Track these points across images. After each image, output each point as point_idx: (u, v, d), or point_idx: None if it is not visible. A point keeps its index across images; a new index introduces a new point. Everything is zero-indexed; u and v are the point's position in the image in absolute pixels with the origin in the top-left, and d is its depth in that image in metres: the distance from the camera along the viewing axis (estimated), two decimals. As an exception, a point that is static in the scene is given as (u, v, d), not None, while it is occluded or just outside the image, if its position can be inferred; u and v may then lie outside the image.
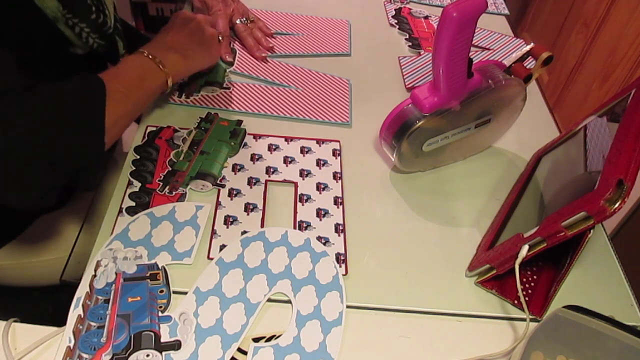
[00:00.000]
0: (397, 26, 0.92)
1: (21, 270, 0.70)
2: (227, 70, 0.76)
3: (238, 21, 0.81)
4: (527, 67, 0.61)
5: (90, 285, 0.48)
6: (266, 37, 0.82)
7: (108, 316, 0.45)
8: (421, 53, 0.85)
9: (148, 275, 0.49)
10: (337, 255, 0.53)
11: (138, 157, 0.61)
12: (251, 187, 0.59)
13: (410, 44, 0.87)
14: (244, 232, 0.54)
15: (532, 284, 0.53)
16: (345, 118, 0.71)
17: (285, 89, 0.74)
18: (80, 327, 0.44)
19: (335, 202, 0.59)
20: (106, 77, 0.51)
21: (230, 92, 0.72)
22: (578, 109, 1.59)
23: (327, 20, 0.91)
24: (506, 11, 1.00)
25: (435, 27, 0.89)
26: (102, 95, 0.49)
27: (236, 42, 0.82)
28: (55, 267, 0.68)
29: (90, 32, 0.58)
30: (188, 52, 0.62)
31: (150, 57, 0.57)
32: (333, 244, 0.55)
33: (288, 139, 0.66)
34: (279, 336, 0.46)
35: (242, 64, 0.78)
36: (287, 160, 0.63)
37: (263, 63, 0.78)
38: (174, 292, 0.49)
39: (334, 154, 0.65)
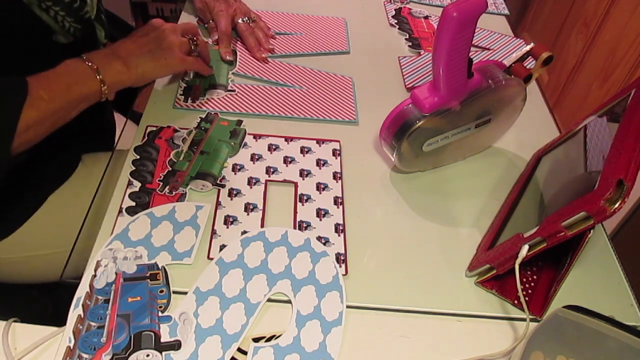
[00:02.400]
0: (397, 26, 0.92)
1: (20, 265, 0.70)
2: (230, 72, 0.76)
3: (240, 20, 0.81)
4: (527, 67, 0.61)
5: (90, 285, 0.48)
6: (267, 38, 0.82)
7: (108, 316, 0.45)
8: (421, 53, 0.85)
9: (148, 275, 0.49)
10: (337, 255, 0.53)
11: (138, 157, 0.61)
12: (251, 187, 0.59)
13: (410, 44, 0.87)
14: (244, 232, 0.54)
15: (532, 284, 0.53)
16: (352, 116, 0.71)
17: (289, 89, 0.74)
18: (80, 327, 0.44)
19: (335, 202, 0.59)
20: (32, 81, 0.51)
21: (236, 94, 0.72)
22: (578, 109, 1.59)
23: (324, 18, 0.91)
24: (506, 11, 1.00)
25: (435, 27, 0.89)
26: (20, 101, 0.49)
27: (237, 43, 0.82)
28: (55, 263, 0.68)
29: (66, 15, 0.57)
30: (134, 62, 0.60)
31: (89, 63, 0.56)
32: (333, 244, 0.55)
33: (288, 139, 0.66)
34: (279, 336, 0.46)
35: (245, 66, 0.78)
36: (287, 160, 0.63)
37: (266, 64, 0.78)
38: (174, 292, 0.49)
39: (334, 154, 0.65)
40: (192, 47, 0.69)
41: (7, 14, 0.53)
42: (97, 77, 0.56)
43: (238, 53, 0.80)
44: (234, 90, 0.73)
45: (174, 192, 0.57)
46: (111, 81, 0.58)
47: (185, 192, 0.58)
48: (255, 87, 0.74)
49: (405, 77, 0.80)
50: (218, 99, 0.71)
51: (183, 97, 0.70)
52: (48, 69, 0.54)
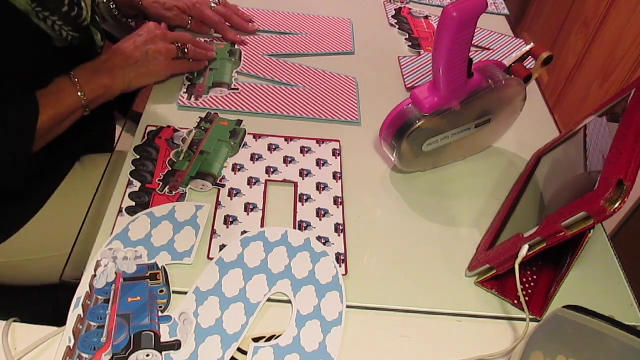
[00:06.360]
0: (397, 26, 0.92)
1: (20, 268, 0.70)
2: (235, 71, 0.76)
3: (213, 4, 0.82)
4: (527, 67, 0.61)
5: (90, 285, 0.48)
6: (242, 15, 0.85)
7: (108, 316, 0.45)
8: (421, 53, 0.85)
9: (148, 275, 0.49)
10: (337, 255, 0.53)
11: (138, 157, 0.61)
12: (251, 187, 0.59)
13: (410, 44, 0.87)
14: (244, 232, 0.54)
15: (532, 284, 0.53)
16: (355, 116, 0.71)
17: (293, 88, 0.74)
18: (80, 327, 0.44)
19: (335, 202, 0.59)
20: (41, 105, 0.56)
21: (239, 92, 0.72)
22: (578, 109, 1.59)
23: (329, 19, 0.91)
24: (506, 11, 1.00)
25: (435, 27, 0.89)
26: (34, 120, 0.55)
27: (242, 43, 0.81)
28: (55, 266, 0.67)
29: (63, 25, 0.58)
30: (120, 74, 0.64)
31: (75, 79, 0.60)
32: (333, 244, 0.55)
33: (288, 139, 0.66)
34: (279, 336, 0.46)
35: (250, 65, 0.77)
36: (287, 160, 0.63)
37: (269, 63, 0.78)
38: (174, 292, 0.49)
39: (334, 154, 0.65)
40: (180, 54, 0.71)
41: (5, 22, 0.53)
42: (82, 97, 0.60)
43: (243, 53, 0.79)
44: (237, 89, 0.73)
45: (174, 192, 0.57)
46: (93, 96, 0.61)
47: (185, 192, 0.58)
48: (259, 86, 0.74)
49: (405, 77, 0.80)
50: (221, 97, 0.71)
51: (187, 95, 0.70)
52: (47, 72, 0.58)
